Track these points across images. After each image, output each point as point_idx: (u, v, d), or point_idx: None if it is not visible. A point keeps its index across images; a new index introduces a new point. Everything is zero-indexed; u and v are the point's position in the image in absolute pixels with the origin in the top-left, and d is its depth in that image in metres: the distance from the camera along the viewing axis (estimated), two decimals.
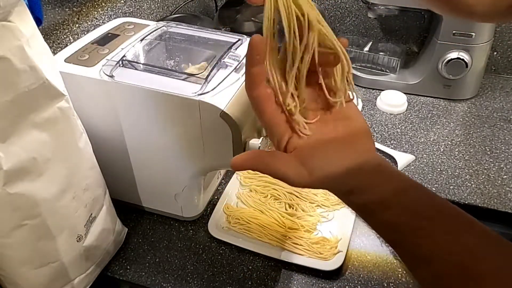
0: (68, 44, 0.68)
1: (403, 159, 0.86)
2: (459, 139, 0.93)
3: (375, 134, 0.94)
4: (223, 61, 0.59)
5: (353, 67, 1.13)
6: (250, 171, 0.80)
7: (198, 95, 0.54)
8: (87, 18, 0.81)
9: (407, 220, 0.34)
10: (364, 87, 1.11)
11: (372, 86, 1.10)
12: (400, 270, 0.65)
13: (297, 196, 0.76)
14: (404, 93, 1.04)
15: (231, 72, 0.58)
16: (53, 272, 0.54)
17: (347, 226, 0.70)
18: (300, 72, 0.37)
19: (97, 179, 0.60)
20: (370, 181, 0.36)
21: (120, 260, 0.67)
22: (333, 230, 0.70)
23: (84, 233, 0.57)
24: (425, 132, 0.95)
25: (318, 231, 0.70)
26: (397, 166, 0.84)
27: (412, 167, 0.85)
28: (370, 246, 0.69)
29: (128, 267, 0.66)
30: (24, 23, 0.45)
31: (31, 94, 0.46)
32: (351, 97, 0.40)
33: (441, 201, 0.36)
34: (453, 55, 0.99)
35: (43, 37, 0.49)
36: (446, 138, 0.93)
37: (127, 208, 0.75)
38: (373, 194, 0.35)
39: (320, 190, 0.77)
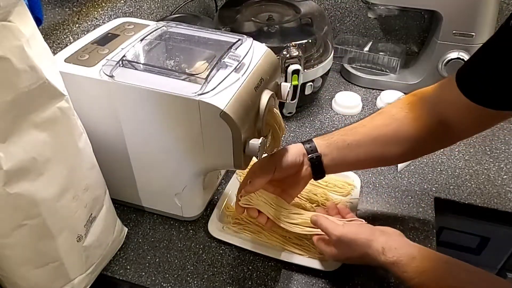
0: (68, 44, 0.68)
1: None
2: None
3: None
4: (223, 61, 0.59)
5: (353, 67, 1.14)
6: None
7: (198, 95, 0.54)
8: (87, 18, 0.81)
9: None
10: (364, 87, 1.11)
11: (372, 86, 1.10)
12: None
13: (297, 196, 0.76)
14: (404, 93, 1.04)
15: (231, 72, 0.58)
16: (53, 272, 0.54)
17: None
18: None
19: (97, 179, 0.60)
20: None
21: (120, 260, 0.67)
22: None
23: (84, 233, 0.57)
24: None
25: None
26: (397, 167, 0.84)
27: (412, 167, 0.85)
28: None
29: (128, 267, 0.66)
30: (24, 23, 0.45)
31: (31, 94, 0.46)
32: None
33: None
34: (453, 55, 0.99)
35: (43, 37, 0.49)
36: None
37: (127, 208, 0.76)
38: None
39: (320, 190, 0.77)
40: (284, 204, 0.67)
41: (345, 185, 0.78)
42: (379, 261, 0.55)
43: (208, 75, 0.56)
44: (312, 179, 0.67)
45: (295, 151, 0.64)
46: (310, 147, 0.64)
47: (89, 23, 0.82)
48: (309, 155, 0.64)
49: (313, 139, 0.66)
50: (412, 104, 0.62)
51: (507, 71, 0.49)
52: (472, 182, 0.82)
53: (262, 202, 0.65)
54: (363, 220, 0.63)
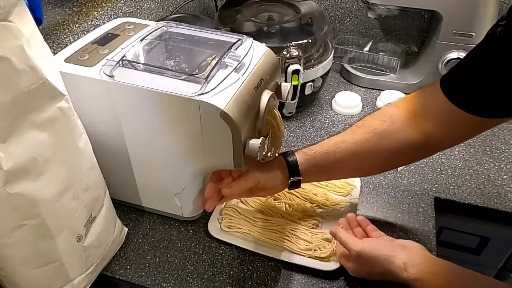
0: (68, 44, 0.68)
1: None
2: None
3: None
4: (223, 61, 0.59)
5: (353, 67, 1.14)
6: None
7: (198, 95, 0.54)
8: (87, 18, 0.81)
9: None
10: (364, 87, 1.11)
11: (372, 86, 1.10)
12: None
13: (297, 196, 0.76)
14: (404, 93, 1.04)
15: (231, 72, 0.58)
16: (53, 272, 0.54)
17: None
18: None
19: (97, 179, 0.60)
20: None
21: (120, 260, 0.67)
22: None
23: (84, 233, 0.57)
24: None
25: (318, 231, 0.70)
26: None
27: (412, 167, 0.85)
28: None
29: (128, 267, 0.66)
30: (24, 23, 0.45)
31: (31, 94, 0.46)
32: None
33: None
34: (453, 55, 0.99)
35: (43, 37, 0.49)
36: None
37: (127, 208, 0.76)
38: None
39: (320, 190, 0.77)
40: (264, 218, 0.71)
41: (345, 185, 0.78)
42: (401, 278, 0.54)
43: (208, 75, 0.56)
44: None
45: (279, 168, 0.66)
46: (292, 167, 0.65)
47: (89, 23, 0.82)
48: (290, 178, 0.66)
49: (296, 155, 0.66)
50: (394, 117, 0.62)
51: (494, 79, 0.49)
52: (472, 182, 0.82)
53: (244, 220, 0.70)
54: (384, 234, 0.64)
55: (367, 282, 0.63)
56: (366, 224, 0.66)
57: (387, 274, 0.56)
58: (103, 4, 0.86)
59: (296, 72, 0.87)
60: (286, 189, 0.76)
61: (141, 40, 0.64)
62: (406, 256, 0.55)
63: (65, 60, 0.61)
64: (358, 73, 1.11)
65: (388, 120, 0.62)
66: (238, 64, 0.59)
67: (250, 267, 0.66)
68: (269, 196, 0.76)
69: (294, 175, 0.65)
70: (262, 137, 0.58)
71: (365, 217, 0.67)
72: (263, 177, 0.65)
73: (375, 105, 1.04)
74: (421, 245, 0.58)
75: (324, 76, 0.98)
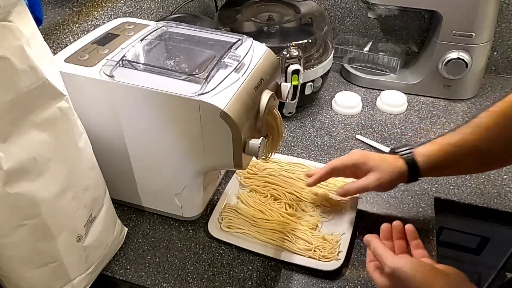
0: (68, 44, 0.68)
1: None
2: None
3: (375, 134, 0.94)
4: (223, 61, 0.59)
5: (352, 67, 1.14)
6: (249, 170, 0.81)
7: (198, 95, 0.54)
8: (87, 18, 0.81)
9: None
10: (364, 87, 1.11)
11: (372, 86, 1.10)
12: None
13: (297, 196, 0.76)
14: (404, 93, 1.04)
15: (231, 72, 0.58)
16: (53, 272, 0.54)
17: (347, 226, 0.70)
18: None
19: (97, 179, 0.60)
20: None
21: (120, 260, 0.67)
22: (333, 230, 0.70)
23: (84, 233, 0.57)
24: (425, 132, 0.95)
25: (318, 231, 0.70)
26: None
27: None
28: None
29: (128, 267, 0.66)
30: (24, 23, 0.45)
31: (31, 94, 0.46)
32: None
33: None
34: (453, 55, 0.99)
35: (43, 37, 0.49)
36: None
37: (127, 208, 0.76)
38: None
39: (320, 190, 0.77)
40: (264, 218, 0.72)
41: None
42: None
43: (208, 75, 0.56)
44: None
45: (397, 168, 0.66)
46: (413, 170, 0.65)
47: (89, 23, 0.82)
48: (409, 182, 0.67)
49: (415, 155, 0.65)
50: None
51: None
52: (472, 182, 0.82)
53: (244, 220, 0.71)
54: (426, 253, 0.60)
55: (368, 282, 0.63)
56: (413, 237, 0.62)
57: None
58: (103, 4, 0.86)
59: (296, 72, 0.87)
60: (286, 190, 0.76)
61: (141, 40, 0.64)
62: (446, 283, 0.51)
63: (65, 60, 0.61)
64: (358, 73, 1.11)
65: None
66: (238, 64, 0.59)
67: (250, 267, 0.66)
68: (269, 196, 0.76)
69: (414, 178, 0.66)
70: (262, 137, 0.58)
71: (415, 229, 0.62)
72: (384, 179, 0.66)
73: (375, 105, 1.04)
74: (463, 273, 0.54)
75: (324, 76, 0.98)
